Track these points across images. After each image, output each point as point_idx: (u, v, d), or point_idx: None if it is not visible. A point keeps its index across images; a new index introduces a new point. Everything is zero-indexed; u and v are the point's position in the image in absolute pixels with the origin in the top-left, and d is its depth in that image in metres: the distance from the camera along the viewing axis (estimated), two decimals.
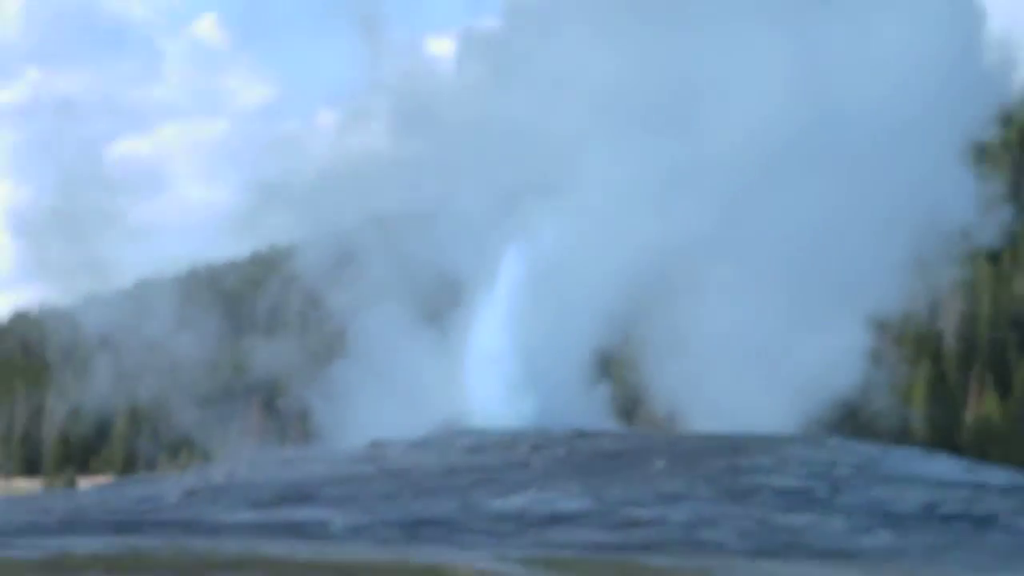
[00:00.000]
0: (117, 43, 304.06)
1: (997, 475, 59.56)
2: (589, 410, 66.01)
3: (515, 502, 48.72)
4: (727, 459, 55.64)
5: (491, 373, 70.44)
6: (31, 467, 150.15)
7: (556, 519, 45.93)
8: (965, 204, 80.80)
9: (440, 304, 78.52)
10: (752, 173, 74.46)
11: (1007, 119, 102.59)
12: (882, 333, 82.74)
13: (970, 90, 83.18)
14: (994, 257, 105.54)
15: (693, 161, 72.68)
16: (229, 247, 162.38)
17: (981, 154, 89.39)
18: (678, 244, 72.03)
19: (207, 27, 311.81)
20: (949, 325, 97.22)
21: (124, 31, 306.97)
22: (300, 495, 51.77)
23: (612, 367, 75.17)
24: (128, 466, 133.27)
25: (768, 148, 74.71)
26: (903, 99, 76.82)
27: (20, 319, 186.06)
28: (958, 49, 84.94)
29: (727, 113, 75.76)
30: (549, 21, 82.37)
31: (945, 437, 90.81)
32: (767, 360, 72.89)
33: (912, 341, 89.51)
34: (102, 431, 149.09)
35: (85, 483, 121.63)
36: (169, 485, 65.08)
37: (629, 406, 68.42)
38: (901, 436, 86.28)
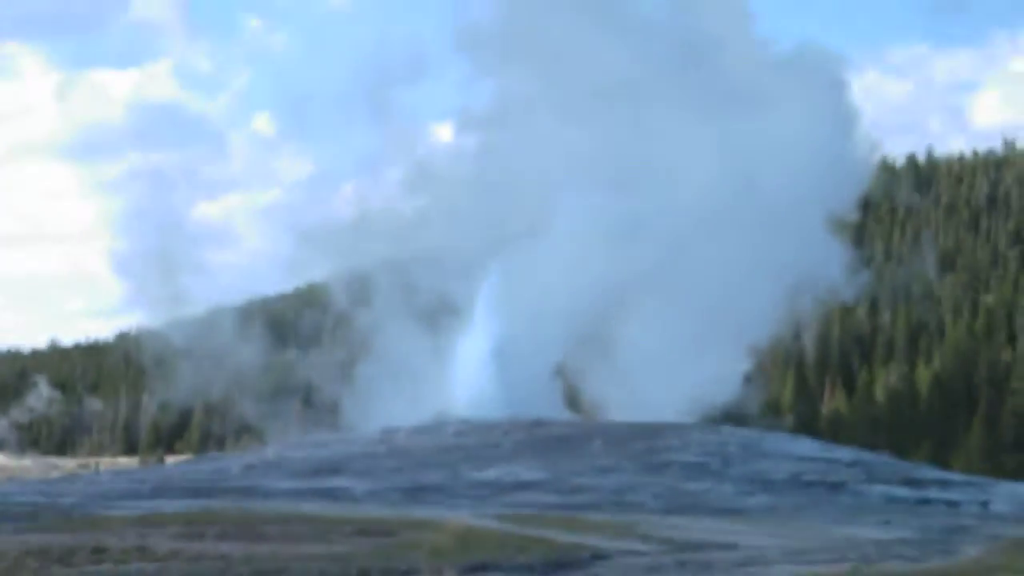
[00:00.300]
0: (196, 131, 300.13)
1: (845, 453, 59.74)
2: (546, 404, 65.94)
3: (490, 473, 48.93)
4: (646, 441, 55.81)
5: (473, 377, 70.50)
6: (130, 448, 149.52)
7: (520, 486, 46.12)
8: (830, 264, 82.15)
9: (439, 323, 78.68)
10: (681, 229, 75.14)
11: (866, 202, 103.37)
12: (763, 350, 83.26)
13: (844, 177, 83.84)
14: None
15: (637, 216, 73.10)
16: (278, 284, 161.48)
17: (848, 227, 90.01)
18: (622, 280, 72.63)
19: (262, 120, 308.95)
20: (809, 343, 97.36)
21: (201, 122, 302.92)
22: (330, 468, 51.85)
23: (565, 371, 75.06)
24: (203, 447, 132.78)
25: (693, 210, 75.53)
26: (793, 180, 77.39)
27: (122, 338, 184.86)
28: (837, 144, 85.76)
29: (664, 182, 76.62)
30: (531, 104, 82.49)
31: (807, 424, 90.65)
32: (679, 369, 73.25)
33: (783, 354, 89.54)
34: (184, 420, 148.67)
35: (171, 460, 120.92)
36: (233, 461, 65.16)
37: (575, 401, 68.12)
38: (774, 424, 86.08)
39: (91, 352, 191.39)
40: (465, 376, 72.36)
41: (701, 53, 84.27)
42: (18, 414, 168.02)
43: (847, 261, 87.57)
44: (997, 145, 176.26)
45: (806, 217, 79.05)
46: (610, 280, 72.70)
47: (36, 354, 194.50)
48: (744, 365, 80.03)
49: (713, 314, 75.22)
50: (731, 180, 77.19)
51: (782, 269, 78.05)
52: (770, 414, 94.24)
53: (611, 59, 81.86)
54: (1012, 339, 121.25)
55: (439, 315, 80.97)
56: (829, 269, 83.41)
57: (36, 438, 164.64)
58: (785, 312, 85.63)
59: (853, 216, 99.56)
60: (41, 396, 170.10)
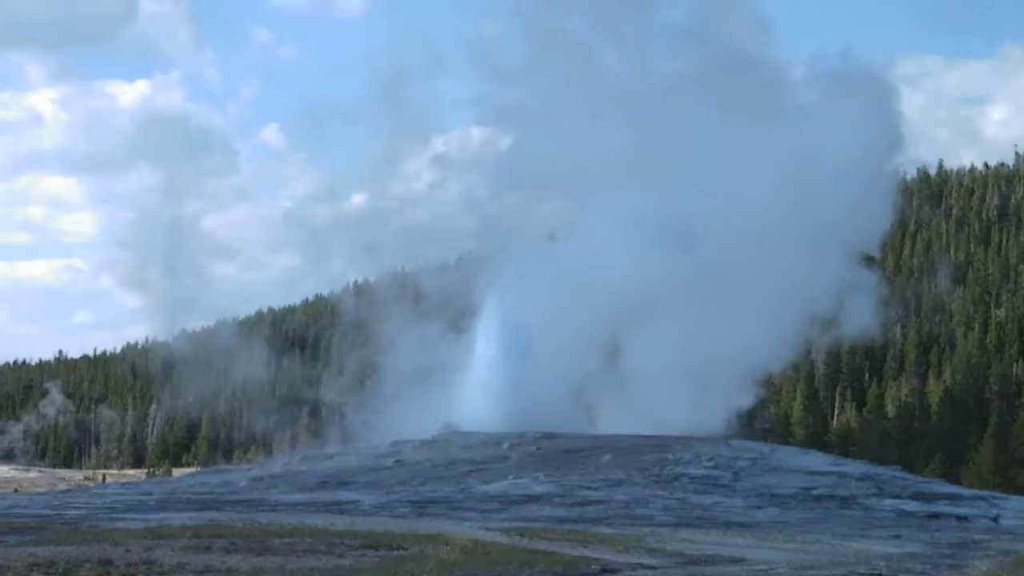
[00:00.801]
0: (204, 144, 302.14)
1: (855, 467, 59.77)
2: (557, 416, 65.89)
3: (497, 487, 48.99)
4: (656, 454, 55.95)
5: (480, 390, 70.53)
6: (138, 460, 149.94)
7: (528, 499, 46.19)
8: (858, 297, 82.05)
9: (449, 334, 78.66)
10: (716, 241, 74.84)
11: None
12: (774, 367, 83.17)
13: (869, 216, 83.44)
14: None
15: (667, 222, 72.90)
16: (286, 296, 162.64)
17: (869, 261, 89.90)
18: (641, 289, 72.42)
19: (271, 132, 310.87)
20: (820, 356, 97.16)
21: (210, 135, 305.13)
22: (338, 482, 52.01)
23: (577, 382, 74.85)
24: (210, 459, 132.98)
25: (728, 223, 75.26)
26: (829, 203, 77.02)
27: (130, 349, 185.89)
28: (878, 167, 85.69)
29: (704, 191, 76.35)
30: (555, 106, 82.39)
31: (816, 438, 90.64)
32: (691, 382, 73.30)
33: (793, 368, 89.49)
34: (191, 433, 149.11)
35: (178, 472, 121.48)
36: (240, 474, 65.52)
37: (586, 415, 68.17)
38: (784, 438, 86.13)
39: (98, 364, 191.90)
40: (474, 387, 72.42)
41: (741, 62, 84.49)
42: (31, 421, 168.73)
43: (877, 294, 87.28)
44: (1009, 158, 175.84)
45: (837, 243, 78.73)
46: (628, 289, 72.40)
47: (43, 365, 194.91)
48: (757, 376, 79.76)
49: (718, 331, 74.83)
50: (776, 197, 76.75)
51: (810, 295, 77.91)
52: (780, 427, 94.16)
53: (644, 65, 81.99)
54: (1022, 350, 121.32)
55: (449, 325, 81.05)
56: (857, 304, 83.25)
57: (44, 449, 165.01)
58: (803, 338, 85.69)
59: (879, 246, 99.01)
60: (53, 403, 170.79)
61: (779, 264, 74.80)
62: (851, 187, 78.71)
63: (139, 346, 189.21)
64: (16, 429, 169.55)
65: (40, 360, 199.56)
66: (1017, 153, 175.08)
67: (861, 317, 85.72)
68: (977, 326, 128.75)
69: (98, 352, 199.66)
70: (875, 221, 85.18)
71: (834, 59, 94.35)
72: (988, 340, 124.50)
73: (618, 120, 79.38)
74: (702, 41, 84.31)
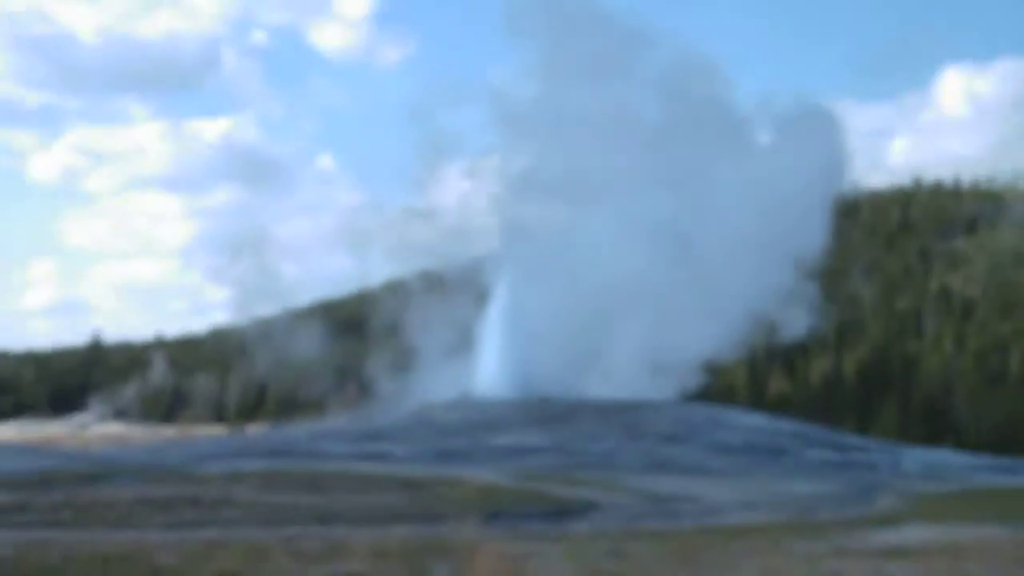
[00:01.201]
0: (272, 169, 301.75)
1: (787, 425, 59.68)
2: (549, 386, 65.64)
3: (504, 440, 48.88)
4: (629, 415, 55.66)
5: (490, 365, 70.48)
6: (220, 419, 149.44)
7: (528, 450, 46.03)
8: (797, 302, 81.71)
9: (468, 318, 78.34)
10: (673, 247, 74.61)
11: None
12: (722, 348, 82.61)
13: (810, 234, 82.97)
14: None
15: (655, 228, 72.84)
16: (338, 289, 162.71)
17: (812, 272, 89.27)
18: (614, 294, 72.09)
19: (325, 160, 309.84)
20: (760, 342, 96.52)
21: (276, 162, 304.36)
22: (377, 436, 51.75)
23: (567, 362, 74.30)
24: (278, 418, 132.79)
25: (705, 238, 75.19)
26: (776, 220, 76.56)
27: (215, 331, 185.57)
28: (825, 190, 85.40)
29: (683, 206, 76.19)
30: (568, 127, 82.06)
31: (758, 403, 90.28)
32: (658, 361, 73.09)
33: (739, 350, 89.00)
34: (262, 397, 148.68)
35: (251, 428, 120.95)
36: (301, 430, 65.24)
37: (569, 385, 67.68)
38: (731, 398, 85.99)
39: (190, 342, 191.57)
40: (485, 363, 72.35)
41: (707, 105, 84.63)
42: (138, 388, 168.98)
43: (813, 300, 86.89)
44: (907, 181, 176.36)
45: (782, 256, 78.32)
46: (614, 284, 72.16)
47: (147, 344, 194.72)
48: (706, 358, 79.29)
49: (675, 325, 74.40)
50: (734, 217, 76.28)
51: (757, 299, 77.62)
52: (727, 394, 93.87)
53: (635, 107, 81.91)
54: (919, 335, 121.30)
55: (468, 314, 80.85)
56: (796, 307, 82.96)
57: (147, 410, 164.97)
58: (749, 335, 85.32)
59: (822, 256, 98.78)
60: (156, 373, 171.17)
61: (733, 272, 74.47)
62: (797, 208, 78.53)
63: (222, 329, 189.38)
64: (126, 394, 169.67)
65: (143, 341, 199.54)
66: (914, 178, 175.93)
67: (798, 320, 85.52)
68: (883, 314, 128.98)
69: (190, 333, 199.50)
70: (816, 236, 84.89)
71: (783, 100, 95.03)
72: (892, 325, 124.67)
73: (614, 148, 79.14)
74: (680, 91, 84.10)
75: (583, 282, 71.99)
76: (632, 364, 72.36)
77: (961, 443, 79.64)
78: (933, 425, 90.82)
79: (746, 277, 74.94)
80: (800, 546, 19.42)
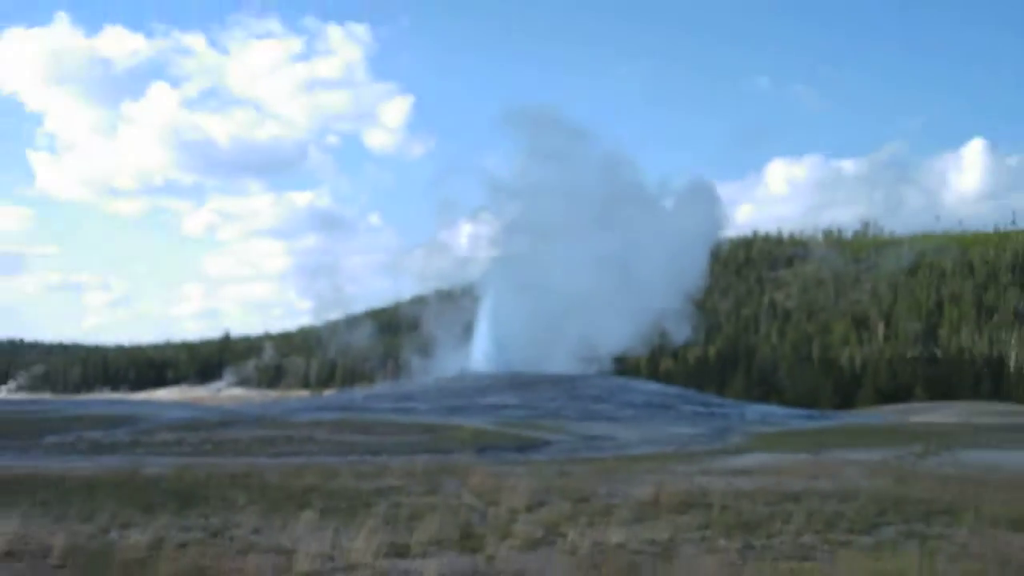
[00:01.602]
0: (340, 224, 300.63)
1: (673, 390, 59.74)
2: (519, 364, 65.41)
3: (489, 400, 48.59)
4: (571, 384, 55.38)
5: (482, 352, 70.44)
6: (306, 385, 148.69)
7: (505, 407, 45.77)
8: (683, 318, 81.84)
9: (470, 318, 78.21)
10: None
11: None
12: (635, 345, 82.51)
13: (695, 271, 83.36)
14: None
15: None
16: (382, 302, 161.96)
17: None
18: (565, 304, 71.93)
19: (375, 217, 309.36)
20: (657, 341, 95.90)
21: (343, 219, 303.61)
22: (408, 397, 51.47)
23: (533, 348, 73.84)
24: (342, 385, 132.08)
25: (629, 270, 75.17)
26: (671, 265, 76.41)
27: (303, 329, 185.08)
28: (706, 242, 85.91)
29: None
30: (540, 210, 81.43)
31: (654, 376, 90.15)
32: (589, 352, 73.17)
33: (644, 347, 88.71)
34: (332, 371, 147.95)
35: (326, 392, 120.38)
36: (358, 394, 64.91)
37: (533, 363, 67.36)
38: (637, 373, 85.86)
39: (286, 337, 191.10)
40: (477, 350, 72.35)
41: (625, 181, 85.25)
42: (253, 365, 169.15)
43: (691, 318, 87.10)
44: (749, 233, 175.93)
45: (674, 287, 78.17)
46: (565, 298, 72.07)
47: (258, 337, 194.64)
48: (618, 350, 79.16)
49: (601, 329, 74.20)
50: (646, 258, 76.01)
51: (657, 314, 77.94)
52: (634, 369, 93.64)
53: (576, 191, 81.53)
54: (757, 332, 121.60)
55: (468, 315, 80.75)
56: (682, 322, 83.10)
57: (260, 379, 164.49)
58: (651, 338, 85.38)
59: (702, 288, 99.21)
60: (267, 355, 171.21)
61: (642, 296, 74.28)
62: (688, 254, 78.88)
63: (307, 327, 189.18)
64: (246, 370, 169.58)
65: (257, 334, 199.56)
66: (754, 231, 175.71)
67: (682, 331, 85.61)
68: (734, 318, 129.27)
69: (287, 330, 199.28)
70: (698, 273, 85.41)
71: (678, 177, 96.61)
72: (739, 326, 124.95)
73: (566, 208, 79.15)
74: (611, 170, 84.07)
75: (544, 297, 71.98)
76: (570, 354, 72.30)
77: (783, 401, 79.75)
78: (765, 389, 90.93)
79: (651, 300, 75.14)
80: (680, 468, 19.50)
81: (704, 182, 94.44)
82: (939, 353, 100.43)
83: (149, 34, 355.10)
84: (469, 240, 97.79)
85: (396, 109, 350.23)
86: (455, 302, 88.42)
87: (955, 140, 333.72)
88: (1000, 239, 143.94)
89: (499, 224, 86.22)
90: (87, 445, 25.64)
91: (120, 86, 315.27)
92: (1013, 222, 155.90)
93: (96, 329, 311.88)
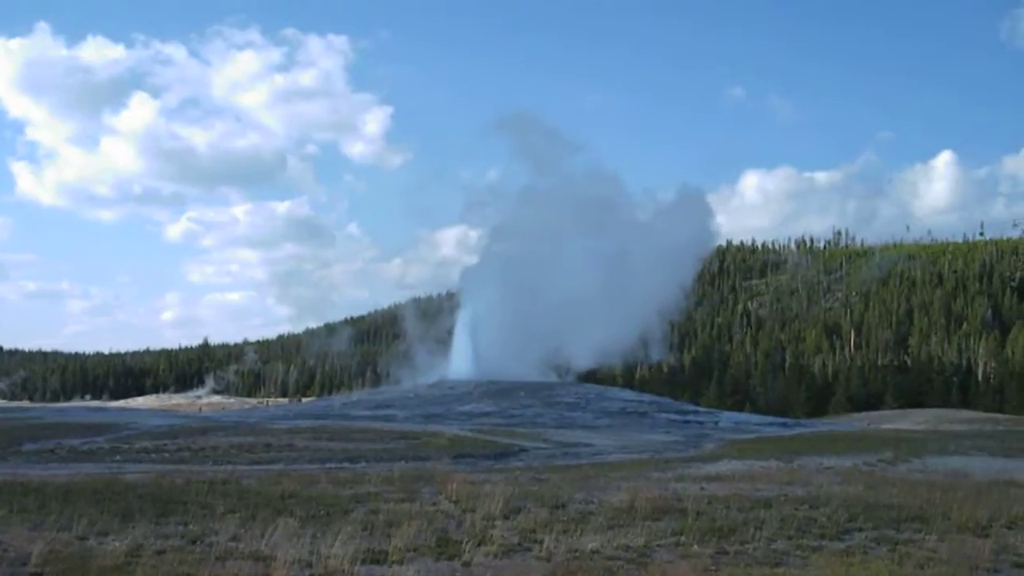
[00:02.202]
0: (318, 232, 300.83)
1: (647, 397, 59.76)
2: (495, 372, 65.25)
3: (466, 408, 48.59)
4: (548, 390, 55.59)
5: (460, 360, 70.13)
6: (284, 393, 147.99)
7: (482, 414, 45.82)
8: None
9: (444, 332, 78.18)
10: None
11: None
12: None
13: (688, 271, 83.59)
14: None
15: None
16: (360, 310, 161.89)
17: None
18: (539, 320, 71.88)
19: (353, 227, 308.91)
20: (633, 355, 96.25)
21: (321, 228, 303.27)
22: (385, 404, 51.40)
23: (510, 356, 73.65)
24: (320, 393, 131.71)
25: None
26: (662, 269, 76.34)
27: (281, 337, 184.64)
28: (694, 243, 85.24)
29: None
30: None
31: (629, 384, 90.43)
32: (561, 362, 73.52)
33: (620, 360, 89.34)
34: (311, 378, 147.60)
35: (305, 400, 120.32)
36: (336, 401, 64.66)
37: (510, 372, 67.30)
38: (612, 382, 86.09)
39: (265, 344, 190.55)
40: (455, 357, 72.13)
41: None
42: (232, 372, 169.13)
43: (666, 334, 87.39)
44: (723, 243, 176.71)
45: (655, 300, 78.28)
46: (536, 309, 72.02)
47: (237, 345, 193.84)
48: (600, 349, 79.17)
49: (595, 325, 74.22)
50: (631, 271, 76.10)
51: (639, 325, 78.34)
52: (610, 378, 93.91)
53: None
54: (731, 340, 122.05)
55: (444, 325, 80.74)
56: (657, 341, 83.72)
57: (239, 386, 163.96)
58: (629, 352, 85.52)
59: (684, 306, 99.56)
60: (246, 362, 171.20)
61: (623, 309, 74.30)
62: (673, 265, 78.60)
63: (286, 335, 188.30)
64: (225, 377, 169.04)
65: (236, 342, 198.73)
66: (727, 240, 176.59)
67: (657, 348, 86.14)
68: (708, 326, 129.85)
69: (265, 337, 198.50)
70: (683, 285, 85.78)
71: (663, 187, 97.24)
72: (713, 334, 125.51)
73: (548, 216, 79.26)
74: (590, 183, 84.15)
75: (519, 309, 71.71)
76: (546, 362, 72.32)
77: (756, 408, 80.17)
78: (739, 397, 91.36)
79: (634, 313, 75.48)
80: (655, 474, 19.54)
81: (694, 191, 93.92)
82: (909, 361, 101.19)
83: (130, 44, 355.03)
84: (448, 249, 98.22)
85: (375, 119, 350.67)
86: (433, 310, 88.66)
87: (925, 153, 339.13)
88: (969, 249, 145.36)
89: (478, 233, 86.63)
90: (66, 452, 25.45)
91: (101, 96, 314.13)
92: (981, 232, 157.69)
93: (76, 337, 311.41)
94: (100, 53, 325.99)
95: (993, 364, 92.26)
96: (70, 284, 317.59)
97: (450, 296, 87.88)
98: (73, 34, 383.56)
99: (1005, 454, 26.67)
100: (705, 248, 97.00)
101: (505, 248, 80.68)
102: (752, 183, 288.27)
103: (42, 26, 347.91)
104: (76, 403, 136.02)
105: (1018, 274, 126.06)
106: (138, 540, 10.28)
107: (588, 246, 76.79)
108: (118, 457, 24.35)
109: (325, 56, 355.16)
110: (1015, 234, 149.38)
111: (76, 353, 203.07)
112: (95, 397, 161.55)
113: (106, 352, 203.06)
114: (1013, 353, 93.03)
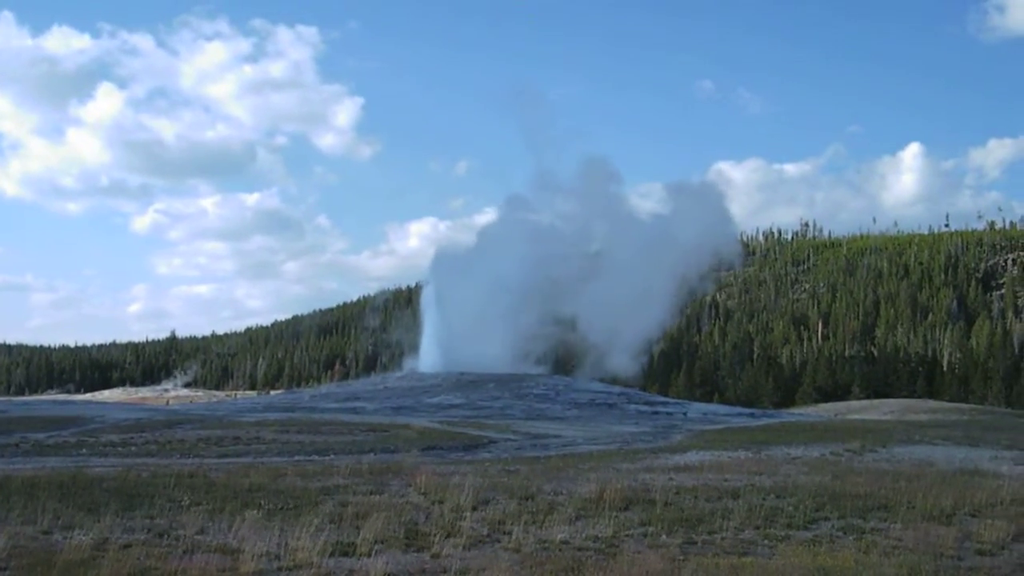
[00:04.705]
0: (288, 224, 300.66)
1: (616, 389, 59.87)
2: (464, 363, 65.09)
3: (435, 400, 48.46)
4: (517, 382, 55.54)
5: (429, 354, 69.96)
6: (252, 385, 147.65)
7: (451, 406, 45.75)
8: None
9: (410, 325, 77.89)
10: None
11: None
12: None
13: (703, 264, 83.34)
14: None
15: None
16: (328, 303, 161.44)
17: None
18: (504, 310, 71.53)
19: (322, 219, 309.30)
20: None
21: (291, 219, 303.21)
22: (353, 397, 51.35)
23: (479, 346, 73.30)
24: (289, 385, 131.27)
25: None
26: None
27: (250, 330, 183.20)
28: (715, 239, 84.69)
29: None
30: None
31: (597, 375, 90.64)
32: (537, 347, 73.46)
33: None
34: (279, 371, 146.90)
35: (273, 392, 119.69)
36: (304, 393, 64.44)
37: (478, 363, 67.18)
38: (581, 373, 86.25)
39: (233, 337, 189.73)
40: (424, 349, 71.95)
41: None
42: (199, 364, 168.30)
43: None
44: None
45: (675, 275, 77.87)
46: (504, 303, 71.66)
47: (205, 338, 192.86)
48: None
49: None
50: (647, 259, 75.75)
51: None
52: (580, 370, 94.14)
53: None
54: (699, 332, 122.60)
55: (411, 318, 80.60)
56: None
57: (206, 379, 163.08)
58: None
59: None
60: (213, 354, 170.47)
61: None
62: (692, 254, 77.93)
63: (254, 328, 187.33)
64: (192, 370, 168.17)
65: (203, 336, 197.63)
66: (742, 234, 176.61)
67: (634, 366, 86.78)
68: (676, 318, 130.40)
69: (234, 330, 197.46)
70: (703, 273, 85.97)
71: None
72: (682, 325, 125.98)
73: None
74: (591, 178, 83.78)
75: (487, 301, 71.27)
76: (513, 354, 72.14)
77: (724, 399, 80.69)
78: (707, 388, 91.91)
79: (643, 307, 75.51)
80: (624, 465, 19.61)
81: (707, 181, 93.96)
82: (876, 352, 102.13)
83: (96, 34, 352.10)
84: (417, 241, 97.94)
85: (345, 111, 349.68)
86: (402, 302, 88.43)
87: (893, 145, 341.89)
88: (934, 241, 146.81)
89: (446, 225, 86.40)
90: (31, 446, 25.19)
91: (67, 86, 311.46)
92: (947, 224, 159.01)
93: (41, 330, 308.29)
94: (66, 43, 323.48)
95: (958, 354, 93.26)
96: (35, 277, 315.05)
97: (419, 288, 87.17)
98: (38, 24, 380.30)
99: (969, 443, 26.96)
100: (723, 246, 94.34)
101: (471, 238, 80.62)
102: (721, 175, 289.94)
103: (6, 15, 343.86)
104: (41, 396, 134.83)
105: (983, 265, 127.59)
106: (104, 534, 10.22)
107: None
108: (84, 451, 24.14)
109: (294, 47, 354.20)
110: (980, 226, 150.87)
111: (41, 346, 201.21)
112: (61, 390, 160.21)
113: (72, 345, 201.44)
114: (977, 344, 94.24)
